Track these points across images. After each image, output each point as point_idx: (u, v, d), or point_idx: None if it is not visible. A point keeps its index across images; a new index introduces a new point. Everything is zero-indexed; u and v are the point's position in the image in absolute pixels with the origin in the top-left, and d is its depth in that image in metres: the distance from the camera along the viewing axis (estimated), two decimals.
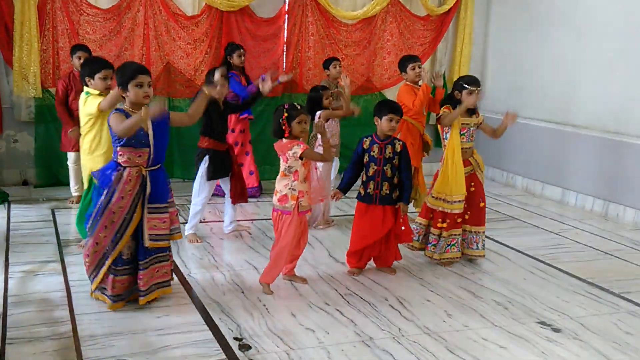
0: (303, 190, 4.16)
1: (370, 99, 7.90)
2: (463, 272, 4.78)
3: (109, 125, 3.73)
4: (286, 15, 7.48)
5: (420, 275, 4.68)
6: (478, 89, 4.71)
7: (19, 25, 6.40)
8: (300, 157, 4.09)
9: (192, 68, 7.13)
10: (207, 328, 3.66)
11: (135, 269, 3.81)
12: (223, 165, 5.12)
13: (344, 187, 4.54)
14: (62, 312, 3.77)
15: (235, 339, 3.55)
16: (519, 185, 7.99)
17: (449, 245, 4.84)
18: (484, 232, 4.96)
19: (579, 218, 6.64)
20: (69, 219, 5.69)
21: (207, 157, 5.06)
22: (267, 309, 3.97)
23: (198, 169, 5.12)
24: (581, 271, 4.94)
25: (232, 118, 6.28)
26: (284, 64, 7.55)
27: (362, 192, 4.52)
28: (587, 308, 4.25)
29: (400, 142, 4.50)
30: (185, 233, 5.11)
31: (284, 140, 4.15)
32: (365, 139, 4.52)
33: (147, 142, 3.69)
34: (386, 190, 4.45)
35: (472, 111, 4.82)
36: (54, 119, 6.73)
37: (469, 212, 4.89)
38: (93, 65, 4.53)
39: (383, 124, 4.42)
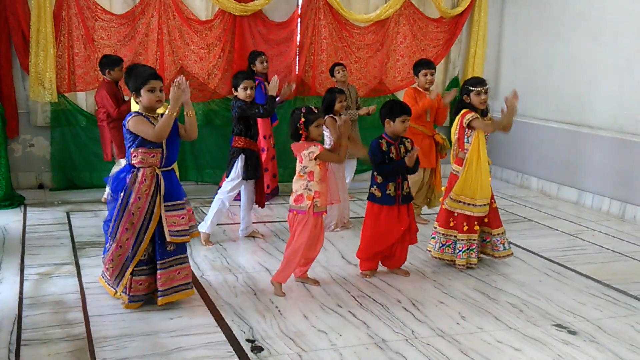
0: (319, 191, 4.14)
1: (383, 101, 7.85)
2: (477, 274, 4.74)
3: (125, 129, 3.75)
4: (299, 19, 7.48)
5: (434, 277, 4.65)
6: (484, 88, 4.70)
7: (35, 32, 6.47)
8: (315, 158, 4.09)
9: (205, 72, 7.16)
10: (220, 330, 3.66)
11: (152, 270, 3.85)
12: (257, 166, 5.16)
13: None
14: (77, 314, 3.80)
15: (248, 340, 3.55)
16: (534, 187, 7.91)
17: (469, 249, 4.78)
18: (504, 232, 4.93)
19: (595, 219, 6.56)
20: (83, 221, 5.74)
21: (243, 156, 5.06)
22: (279, 310, 3.96)
23: (231, 168, 5.11)
24: (597, 273, 4.87)
25: (262, 125, 6.26)
26: (297, 67, 7.56)
27: (379, 194, 4.45)
28: (603, 310, 4.19)
29: (409, 140, 4.56)
30: (201, 231, 5.07)
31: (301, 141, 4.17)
32: (381, 141, 4.46)
33: (159, 143, 3.75)
34: (406, 189, 4.49)
35: (484, 113, 4.79)
36: (70, 124, 6.83)
37: (487, 216, 4.84)
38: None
39: (397, 125, 4.42)
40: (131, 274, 3.80)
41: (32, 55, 6.52)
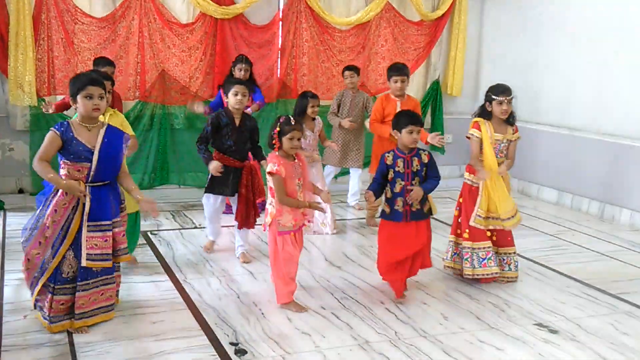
0: (281, 210, 3.91)
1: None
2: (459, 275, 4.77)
3: None
4: (280, 22, 7.49)
5: (416, 278, 4.66)
6: (508, 98, 4.42)
7: (14, 35, 6.40)
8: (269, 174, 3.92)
9: (186, 75, 7.14)
10: (203, 333, 3.65)
11: (75, 289, 3.57)
12: (225, 182, 4.75)
13: (375, 191, 4.19)
14: None
15: (231, 344, 3.54)
16: (515, 188, 7.97)
17: (484, 259, 4.51)
18: (515, 253, 4.67)
19: (574, 220, 6.65)
20: None
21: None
22: (262, 313, 3.96)
23: None
24: (578, 272, 4.94)
25: None
26: (279, 70, 7.56)
27: (388, 209, 4.21)
28: (584, 309, 4.25)
29: (426, 152, 4.24)
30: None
31: (273, 152, 3.99)
32: (387, 155, 4.21)
33: (88, 158, 3.50)
34: (417, 205, 4.17)
35: (508, 122, 4.51)
36: (50, 128, 6.72)
37: (495, 233, 4.58)
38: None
39: (404, 137, 4.15)
40: (51, 292, 3.52)
41: (11, 58, 6.44)
